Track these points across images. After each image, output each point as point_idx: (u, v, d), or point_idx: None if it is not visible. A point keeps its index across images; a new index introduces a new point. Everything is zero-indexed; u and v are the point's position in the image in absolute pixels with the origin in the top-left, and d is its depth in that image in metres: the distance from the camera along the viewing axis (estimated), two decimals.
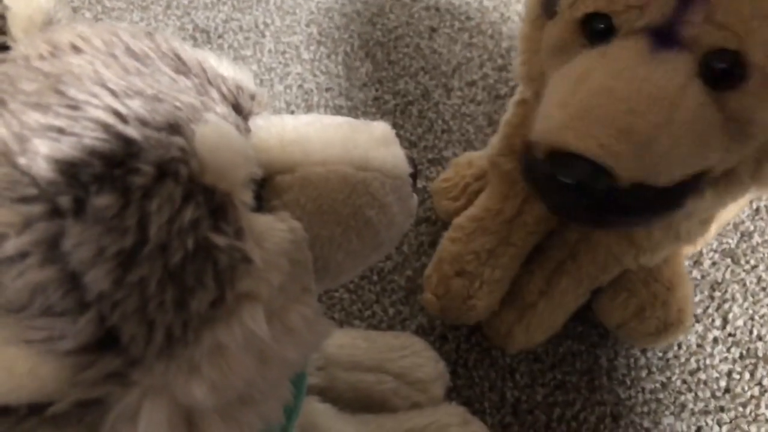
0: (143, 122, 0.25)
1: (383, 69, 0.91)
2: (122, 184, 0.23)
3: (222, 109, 0.29)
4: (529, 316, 0.60)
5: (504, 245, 0.60)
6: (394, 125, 0.84)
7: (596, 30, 0.40)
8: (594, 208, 0.40)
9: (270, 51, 0.92)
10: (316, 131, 0.32)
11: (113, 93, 0.26)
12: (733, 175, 0.42)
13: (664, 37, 0.36)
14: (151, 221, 0.24)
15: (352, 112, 0.87)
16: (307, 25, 0.94)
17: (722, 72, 0.35)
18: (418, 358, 0.57)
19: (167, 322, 0.24)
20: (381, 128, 0.33)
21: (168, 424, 0.26)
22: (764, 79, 0.35)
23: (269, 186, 0.30)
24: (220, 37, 0.93)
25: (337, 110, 0.87)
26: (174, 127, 0.26)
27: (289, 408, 0.40)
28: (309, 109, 0.87)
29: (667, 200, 0.40)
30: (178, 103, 0.27)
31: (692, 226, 0.55)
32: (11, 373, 0.23)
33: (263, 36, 0.93)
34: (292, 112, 0.87)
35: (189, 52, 0.31)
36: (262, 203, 0.30)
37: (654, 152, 0.35)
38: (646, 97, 0.35)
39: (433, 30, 0.95)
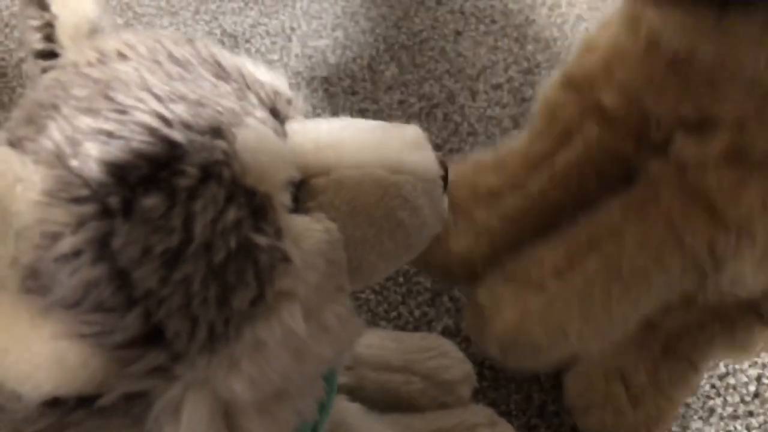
0: (187, 126, 0.26)
1: (408, 72, 0.92)
2: (168, 185, 0.25)
3: (261, 113, 0.30)
4: (530, 296, 0.42)
5: (513, 189, 0.46)
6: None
7: None
8: None
9: (296, 55, 0.93)
10: (350, 135, 0.33)
11: (158, 98, 0.27)
12: None
13: None
14: (195, 221, 0.25)
15: (378, 115, 0.88)
16: (333, 29, 0.96)
17: None
18: (445, 359, 0.58)
19: (210, 319, 0.25)
20: (413, 132, 0.34)
21: (209, 417, 0.27)
22: None
23: (305, 188, 0.31)
24: (247, 41, 0.94)
25: (363, 114, 0.88)
26: (216, 131, 0.27)
27: (322, 404, 0.41)
28: (334, 112, 0.88)
29: None
30: (219, 108, 0.28)
31: None
32: (63, 365, 0.24)
33: (290, 40, 0.95)
34: (319, 116, 0.88)
35: (228, 58, 0.32)
36: (298, 205, 0.31)
37: None
38: None
39: (458, 33, 0.95)
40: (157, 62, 0.29)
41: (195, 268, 0.25)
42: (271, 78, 0.33)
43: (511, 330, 0.42)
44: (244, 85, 0.31)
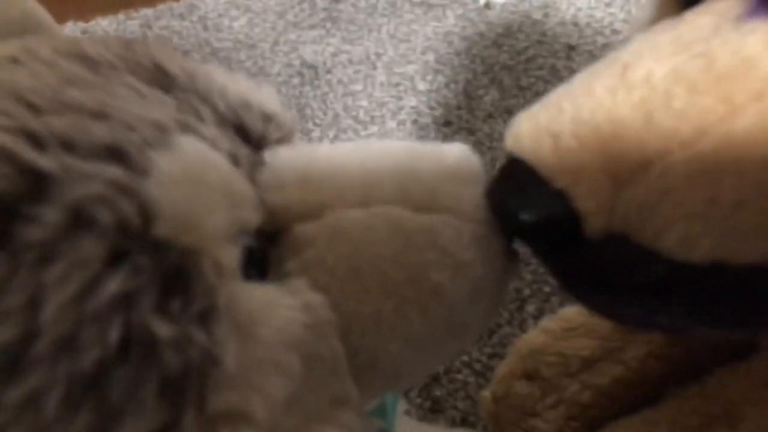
0: (67, 146, 0.17)
1: (512, 96, 0.81)
2: (9, 239, 0.16)
3: (211, 131, 0.21)
4: None
5: (610, 360, 0.43)
6: None
7: None
8: (565, 272, 0.24)
9: (382, 84, 0.85)
10: (358, 160, 0.23)
11: (34, 108, 0.18)
12: None
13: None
14: (46, 299, 0.15)
15: (477, 147, 0.77)
16: (423, 53, 0.87)
17: None
18: None
19: None
20: (456, 153, 0.24)
21: None
22: None
23: (285, 240, 0.21)
24: (328, 72, 0.88)
25: None
26: (114, 153, 0.18)
27: None
28: None
29: (714, 295, 0.22)
30: (134, 122, 0.19)
31: None
32: None
33: (374, 68, 0.87)
34: None
35: (180, 64, 0.23)
36: (267, 267, 0.21)
37: (654, 184, 0.20)
38: (688, 87, 0.21)
39: (571, 48, 0.83)
40: (53, 64, 0.20)
41: (46, 380, 0.15)
42: (246, 88, 0.24)
43: None
44: (195, 94, 0.22)
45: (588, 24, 0.85)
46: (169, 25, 1.01)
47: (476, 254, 0.22)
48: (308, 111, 0.83)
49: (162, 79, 0.22)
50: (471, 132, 0.79)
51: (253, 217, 0.20)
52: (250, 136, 0.22)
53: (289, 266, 0.21)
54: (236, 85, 0.24)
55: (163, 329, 0.16)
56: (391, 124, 0.81)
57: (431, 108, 0.82)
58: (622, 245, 0.21)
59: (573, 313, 0.45)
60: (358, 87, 0.86)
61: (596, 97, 0.22)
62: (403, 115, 0.82)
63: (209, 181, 0.19)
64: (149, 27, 1.02)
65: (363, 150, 0.23)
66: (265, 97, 0.24)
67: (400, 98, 0.83)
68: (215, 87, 0.23)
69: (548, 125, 0.22)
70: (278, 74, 0.88)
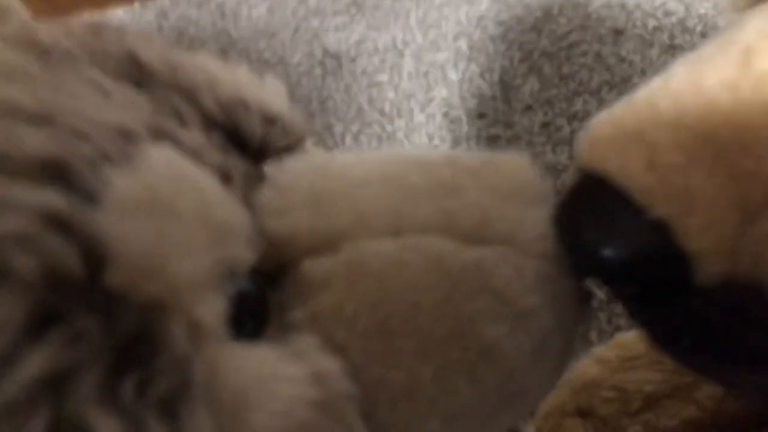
0: None
1: (553, 86, 0.76)
2: None
3: (196, 137, 0.16)
4: None
5: (679, 398, 0.38)
6: (571, 159, 0.69)
7: None
8: (662, 326, 0.19)
9: (409, 73, 0.81)
10: (385, 174, 0.18)
11: None
12: None
13: None
14: None
15: (513, 143, 0.73)
16: (455, 39, 0.83)
17: None
18: None
19: None
20: (512, 165, 0.19)
21: None
22: None
23: (291, 280, 0.17)
24: (352, 61, 0.84)
25: (493, 142, 0.73)
26: (52, 170, 0.13)
27: None
28: (456, 142, 0.74)
29: None
30: (87, 128, 0.14)
31: None
32: None
33: (402, 56, 0.83)
34: (436, 148, 0.74)
35: (160, 53, 0.19)
36: (266, 318, 0.16)
37: None
38: None
39: (618, 32, 0.78)
40: None
41: None
42: (243, 82, 0.19)
43: None
44: (177, 91, 0.17)
45: (637, 5, 0.80)
46: (186, 14, 0.98)
47: (542, 300, 0.17)
48: (330, 103, 0.79)
49: (135, 73, 0.17)
50: (508, 125, 0.74)
51: (246, 254, 0.15)
52: (246, 143, 0.18)
53: (295, 316, 0.16)
54: (231, 79, 0.19)
55: (106, 423, 0.12)
56: (420, 117, 0.77)
57: (463, 99, 0.77)
58: (749, 295, 0.16)
59: (632, 339, 0.39)
60: (384, 77, 0.81)
61: (708, 94, 0.16)
62: (432, 108, 0.77)
63: (183, 208, 0.14)
64: (165, 16, 0.99)
65: (392, 161, 0.19)
66: (269, 93, 0.20)
67: (429, 89, 0.79)
68: (203, 81, 0.18)
69: (639, 132, 0.17)
70: (299, 64, 0.85)
